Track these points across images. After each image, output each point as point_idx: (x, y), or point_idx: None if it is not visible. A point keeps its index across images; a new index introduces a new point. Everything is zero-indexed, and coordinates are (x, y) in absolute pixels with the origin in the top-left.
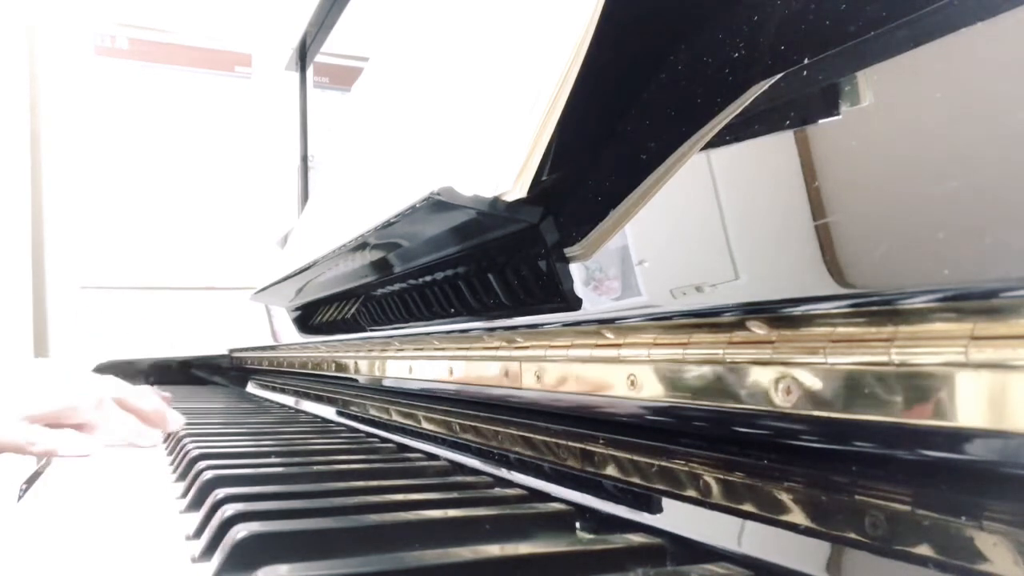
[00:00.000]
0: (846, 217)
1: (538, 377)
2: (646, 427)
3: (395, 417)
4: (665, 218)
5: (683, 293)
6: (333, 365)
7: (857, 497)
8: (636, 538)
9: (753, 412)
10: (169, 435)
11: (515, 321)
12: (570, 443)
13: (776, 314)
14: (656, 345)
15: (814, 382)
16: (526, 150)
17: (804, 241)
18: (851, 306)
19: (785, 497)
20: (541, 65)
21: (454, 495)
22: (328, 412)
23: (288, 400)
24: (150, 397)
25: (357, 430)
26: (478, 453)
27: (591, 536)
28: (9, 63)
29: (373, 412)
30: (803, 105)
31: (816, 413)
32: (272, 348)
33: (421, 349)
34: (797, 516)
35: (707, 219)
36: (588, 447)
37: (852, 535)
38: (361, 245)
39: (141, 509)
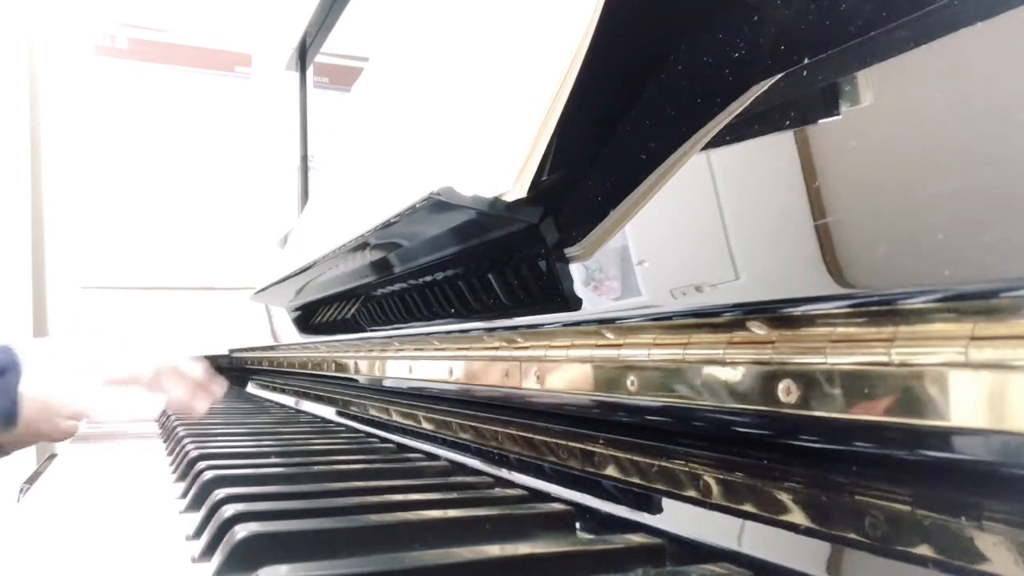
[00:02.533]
0: (846, 217)
1: (538, 377)
2: (646, 427)
3: (395, 417)
4: (665, 218)
5: (683, 293)
6: (333, 365)
7: (857, 497)
8: (636, 538)
9: (753, 412)
10: (169, 434)
11: (515, 321)
12: (570, 443)
13: (776, 314)
14: (656, 345)
15: (814, 382)
16: (526, 150)
17: (804, 241)
18: (851, 306)
19: (785, 497)
20: (541, 65)
21: (454, 495)
22: (328, 412)
23: (288, 400)
24: (196, 366)
25: (357, 430)
26: (478, 453)
27: (591, 536)
28: (9, 63)
29: (373, 412)
30: (803, 105)
31: (816, 413)
32: (272, 348)
33: (421, 349)
34: (797, 516)
35: (707, 219)
36: (588, 447)
37: (852, 535)
38: (361, 245)
39: (141, 509)
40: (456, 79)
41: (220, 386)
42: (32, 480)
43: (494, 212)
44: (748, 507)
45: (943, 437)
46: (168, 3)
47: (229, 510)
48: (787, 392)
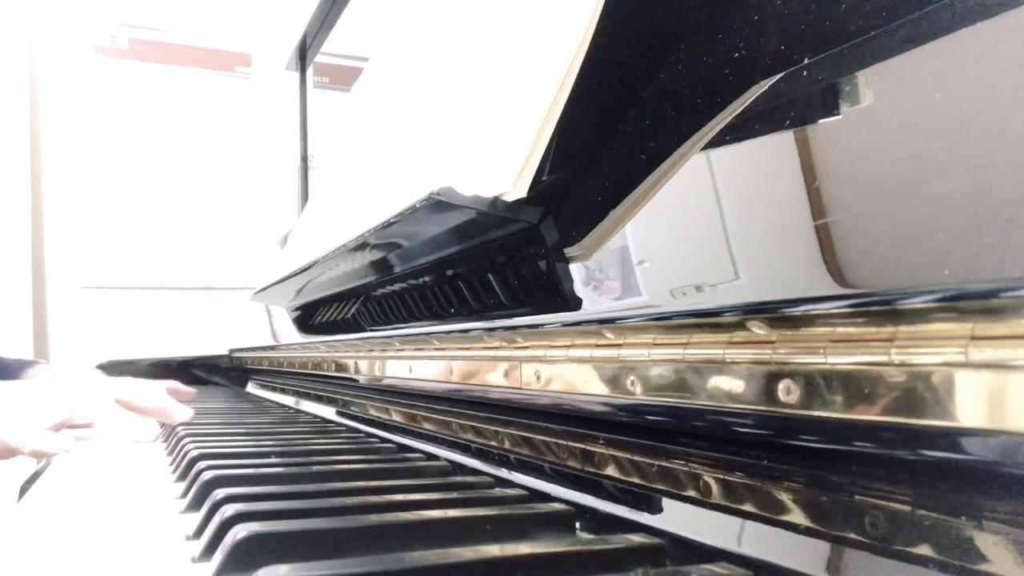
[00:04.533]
0: (846, 217)
1: (538, 377)
2: (646, 427)
3: (395, 417)
4: (665, 218)
5: (683, 293)
6: (333, 365)
7: (857, 497)
8: (636, 538)
9: (753, 412)
10: (169, 435)
11: (515, 321)
12: (570, 443)
13: (776, 314)
14: (656, 345)
15: (814, 382)
16: (526, 150)
17: (804, 241)
18: (851, 306)
19: (785, 497)
20: (541, 65)
21: (454, 495)
22: (328, 412)
23: (288, 400)
24: (156, 396)
25: (357, 430)
26: (478, 453)
27: (591, 536)
28: (9, 63)
29: (373, 412)
30: (803, 105)
31: (816, 413)
32: (272, 348)
33: (421, 349)
34: (797, 516)
35: (707, 219)
36: (588, 447)
37: (852, 535)
38: (361, 245)
39: (141, 509)
40: (456, 79)
41: (183, 414)
42: (32, 480)
43: (494, 212)
44: (748, 507)
45: (943, 437)
46: (168, 3)
47: (229, 510)
48: (787, 392)
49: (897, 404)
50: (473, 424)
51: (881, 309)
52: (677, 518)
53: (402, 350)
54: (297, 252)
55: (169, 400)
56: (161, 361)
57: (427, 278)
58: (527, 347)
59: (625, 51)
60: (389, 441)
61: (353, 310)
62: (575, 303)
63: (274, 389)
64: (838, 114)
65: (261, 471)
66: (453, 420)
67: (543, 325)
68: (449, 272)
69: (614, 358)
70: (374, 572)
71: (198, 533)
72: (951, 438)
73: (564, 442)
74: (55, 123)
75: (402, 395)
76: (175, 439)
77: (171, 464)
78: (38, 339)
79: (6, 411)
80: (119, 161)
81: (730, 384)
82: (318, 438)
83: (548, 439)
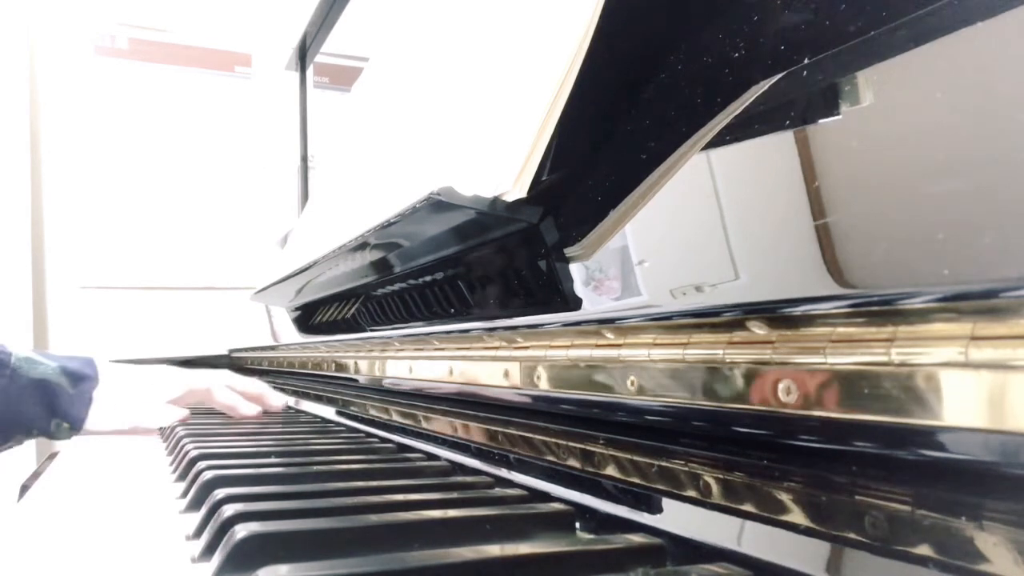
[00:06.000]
0: (846, 217)
1: (538, 377)
2: (646, 427)
3: (395, 417)
4: (665, 218)
5: (683, 293)
6: (333, 365)
7: (857, 497)
8: (636, 538)
9: (753, 412)
10: (169, 435)
11: (515, 321)
12: (570, 443)
13: (776, 314)
14: (656, 345)
15: (814, 382)
16: (526, 150)
17: (804, 241)
18: (851, 306)
19: (785, 497)
20: (542, 65)
21: (454, 495)
22: (328, 412)
23: (288, 400)
24: (254, 382)
25: (357, 430)
26: (478, 453)
27: (591, 536)
28: (9, 63)
29: (373, 412)
30: (803, 105)
31: (816, 413)
32: (272, 348)
33: (421, 349)
34: (797, 516)
35: (707, 219)
36: (588, 447)
37: (852, 535)
38: (361, 245)
39: (141, 509)
40: (456, 79)
41: (278, 400)
42: (32, 480)
43: (494, 212)
44: (748, 507)
45: (943, 437)
46: (168, 3)
47: (229, 510)
48: (787, 392)
49: (897, 404)
50: (473, 424)
51: (881, 309)
52: (677, 518)
53: (402, 350)
54: (297, 252)
55: (265, 386)
56: (161, 361)
57: (427, 278)
58: (527, 347)
59: (625, 51)
60: (389, 441)
61: (353, 310)
62: (575, 303)
63: (274, 389)
64: (838, 114)
65: (261, 471)
66: (453, 420)
67: (543, 325)
68: (449, 272)
69: (614, 358)
70: (374, 572)
71: (198, 533)
72: (951, 438)
73: (564, 442)
74: (55, 123)
75: (402, 395)
76: (175, 439)
77: (171, 464)
78: (38, 339)
79: (132, 392)
80: (119, 161)
81: (730, 384)
82: (318, 438)
83: (548, 439)
